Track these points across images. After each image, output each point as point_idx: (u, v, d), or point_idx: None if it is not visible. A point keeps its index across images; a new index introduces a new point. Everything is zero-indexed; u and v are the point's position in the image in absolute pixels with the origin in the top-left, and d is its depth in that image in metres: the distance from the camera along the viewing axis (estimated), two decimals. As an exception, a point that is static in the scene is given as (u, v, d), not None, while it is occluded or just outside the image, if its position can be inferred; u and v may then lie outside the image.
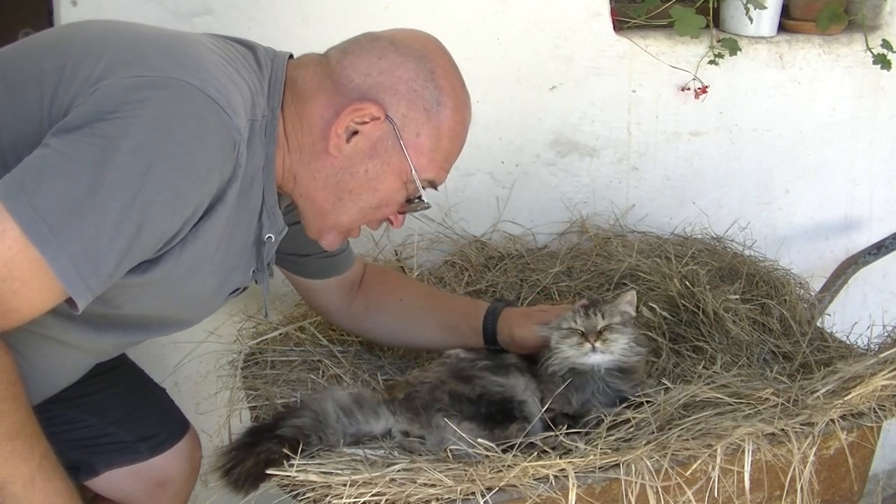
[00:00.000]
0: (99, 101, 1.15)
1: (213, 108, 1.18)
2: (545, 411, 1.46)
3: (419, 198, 1.42)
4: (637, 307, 1.93)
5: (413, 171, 1.38)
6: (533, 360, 1.60)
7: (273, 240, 1.43)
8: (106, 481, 1.66)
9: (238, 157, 1.23)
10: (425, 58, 1.37)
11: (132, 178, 1.12)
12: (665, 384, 1.55)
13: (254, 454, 1.33)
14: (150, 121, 1.14)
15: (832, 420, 1.46)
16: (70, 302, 1.14)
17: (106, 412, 1.63)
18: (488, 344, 1.69)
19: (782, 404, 1.45)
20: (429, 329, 1.75)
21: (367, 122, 1.35)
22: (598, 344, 1.49)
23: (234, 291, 1.48)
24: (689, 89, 2.32)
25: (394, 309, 1.75)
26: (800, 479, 1.44)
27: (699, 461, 1.37)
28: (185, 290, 1.34)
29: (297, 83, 1.38)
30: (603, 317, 1.52)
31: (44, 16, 1.83)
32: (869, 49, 2.42)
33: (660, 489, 1.35)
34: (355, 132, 1.35)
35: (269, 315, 1.63)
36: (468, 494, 1.27)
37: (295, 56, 1.44)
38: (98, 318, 1.29)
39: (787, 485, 1.46)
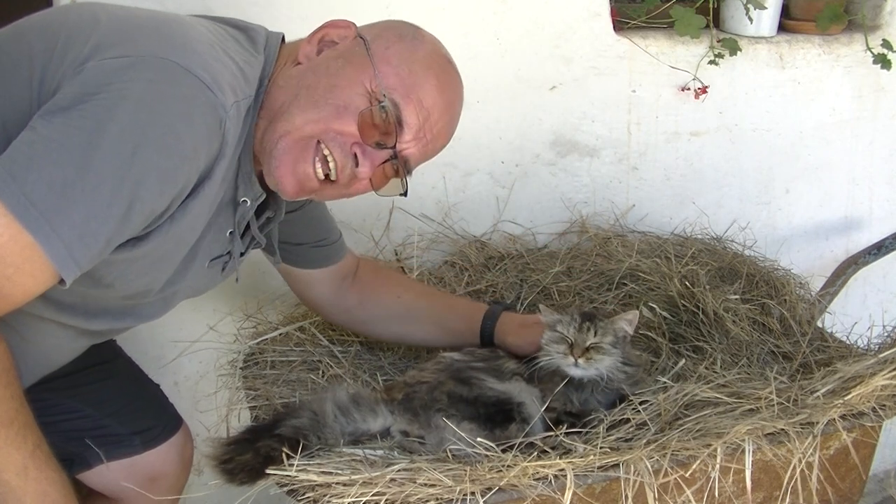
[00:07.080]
0: (85, 82, 1.16)
1: (198, 87, 1.19)
2: (548, 411, 1.47)
3: (382, 108, 1.32)
4: (637, 307, 1.94)
5: (375, 74, 1.33)
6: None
7: (248, 204, 1.41)
8: (99, 475, 1.66)
9: (225, 134, 1.24)
10: (417, 37, 1.39)
11: (120, 161, 1.13)
12: (664, 381, 1.55)
13: (253, 449, 1.34)
14: (136, 102, 1.14)
15: (832, 420, 1.46)
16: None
17: (103, 403, 1.64)
18: (485, 346, 1.69)
19: (782, 404, 1.45)
20: (426, 327, 1.75)
21: (338, 43, 1.37)
22: (581, 360, 1.50)
23: (216, 258, 1.46)
24: (689, 89, 2.32)
25: (390, 304, 1.75)
26: (800, 478, 1.44)
27: (699, 461, 1.37)
28: (174, 265, 1.35)
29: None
30: (595, 333, 1.52)
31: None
32: (869, 49, 2.41)
33: (659, 489, 1.35)
34: (326, 47, 1.38)
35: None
36: (468, 494, 1.27)
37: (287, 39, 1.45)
38: (89, 302, 1.30)
39: (787, 485, 1.46)
